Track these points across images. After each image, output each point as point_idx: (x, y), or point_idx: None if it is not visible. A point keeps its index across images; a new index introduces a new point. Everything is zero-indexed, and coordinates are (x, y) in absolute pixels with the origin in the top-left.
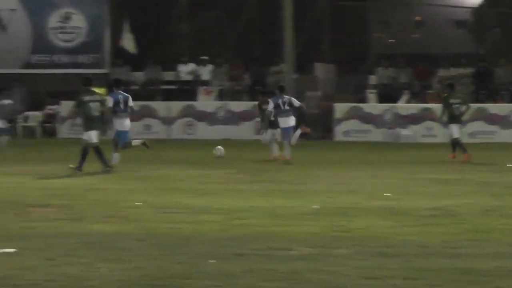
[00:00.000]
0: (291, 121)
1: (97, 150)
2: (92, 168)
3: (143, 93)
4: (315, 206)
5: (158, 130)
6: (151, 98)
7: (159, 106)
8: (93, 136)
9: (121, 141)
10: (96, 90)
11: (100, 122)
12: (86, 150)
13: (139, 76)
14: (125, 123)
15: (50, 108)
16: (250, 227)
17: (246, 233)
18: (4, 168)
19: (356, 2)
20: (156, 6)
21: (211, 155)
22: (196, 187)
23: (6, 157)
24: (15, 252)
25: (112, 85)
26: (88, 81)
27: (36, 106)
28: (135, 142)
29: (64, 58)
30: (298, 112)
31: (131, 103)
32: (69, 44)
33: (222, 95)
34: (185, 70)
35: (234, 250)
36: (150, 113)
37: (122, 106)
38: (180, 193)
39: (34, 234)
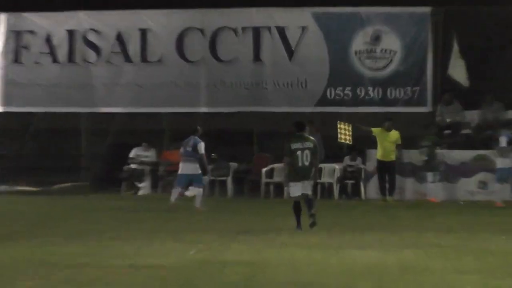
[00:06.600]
0: None
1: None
2: (406, 238)
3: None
4: None
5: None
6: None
7: None
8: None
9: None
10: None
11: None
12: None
13: (473, 115)
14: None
15: (350, 163)
16: None
17: None
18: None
19: None
20: (495, 25)
21: None
22: None
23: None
24: None
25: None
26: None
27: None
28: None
29: (372, 93)
30: None
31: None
32: (378, 74)
33: None
34: None
35: None
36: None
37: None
38: None
39: None
